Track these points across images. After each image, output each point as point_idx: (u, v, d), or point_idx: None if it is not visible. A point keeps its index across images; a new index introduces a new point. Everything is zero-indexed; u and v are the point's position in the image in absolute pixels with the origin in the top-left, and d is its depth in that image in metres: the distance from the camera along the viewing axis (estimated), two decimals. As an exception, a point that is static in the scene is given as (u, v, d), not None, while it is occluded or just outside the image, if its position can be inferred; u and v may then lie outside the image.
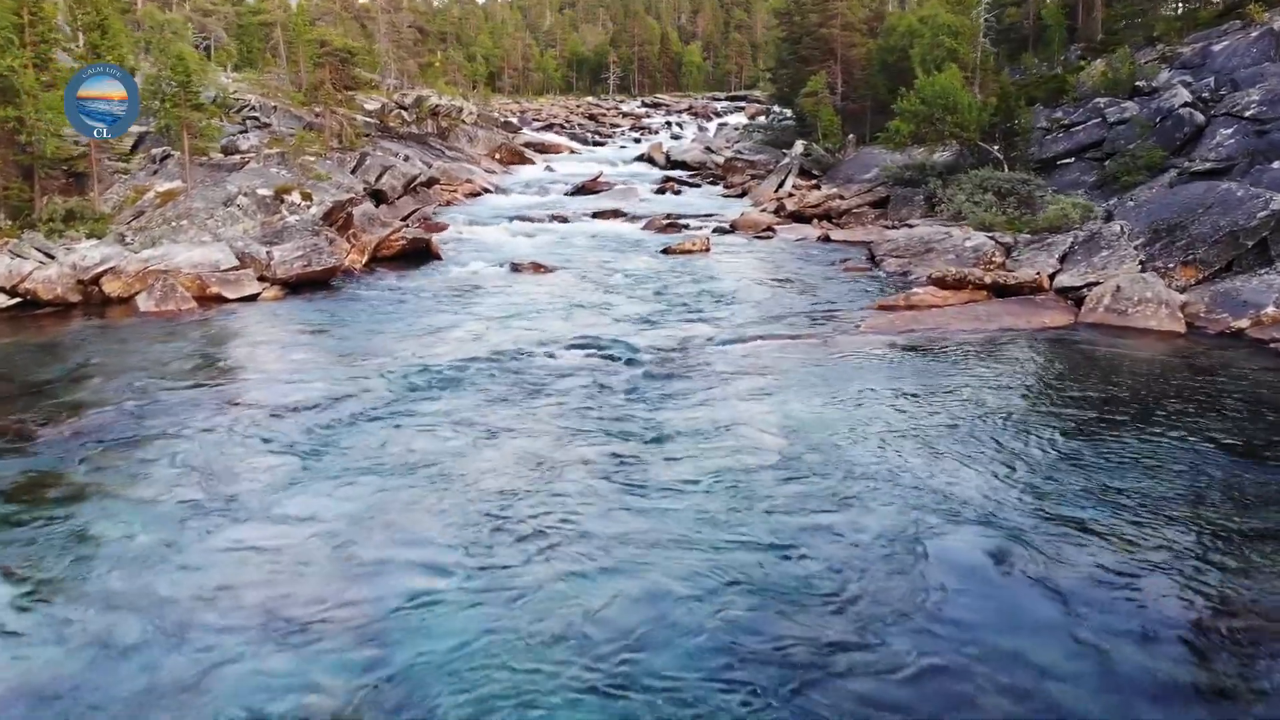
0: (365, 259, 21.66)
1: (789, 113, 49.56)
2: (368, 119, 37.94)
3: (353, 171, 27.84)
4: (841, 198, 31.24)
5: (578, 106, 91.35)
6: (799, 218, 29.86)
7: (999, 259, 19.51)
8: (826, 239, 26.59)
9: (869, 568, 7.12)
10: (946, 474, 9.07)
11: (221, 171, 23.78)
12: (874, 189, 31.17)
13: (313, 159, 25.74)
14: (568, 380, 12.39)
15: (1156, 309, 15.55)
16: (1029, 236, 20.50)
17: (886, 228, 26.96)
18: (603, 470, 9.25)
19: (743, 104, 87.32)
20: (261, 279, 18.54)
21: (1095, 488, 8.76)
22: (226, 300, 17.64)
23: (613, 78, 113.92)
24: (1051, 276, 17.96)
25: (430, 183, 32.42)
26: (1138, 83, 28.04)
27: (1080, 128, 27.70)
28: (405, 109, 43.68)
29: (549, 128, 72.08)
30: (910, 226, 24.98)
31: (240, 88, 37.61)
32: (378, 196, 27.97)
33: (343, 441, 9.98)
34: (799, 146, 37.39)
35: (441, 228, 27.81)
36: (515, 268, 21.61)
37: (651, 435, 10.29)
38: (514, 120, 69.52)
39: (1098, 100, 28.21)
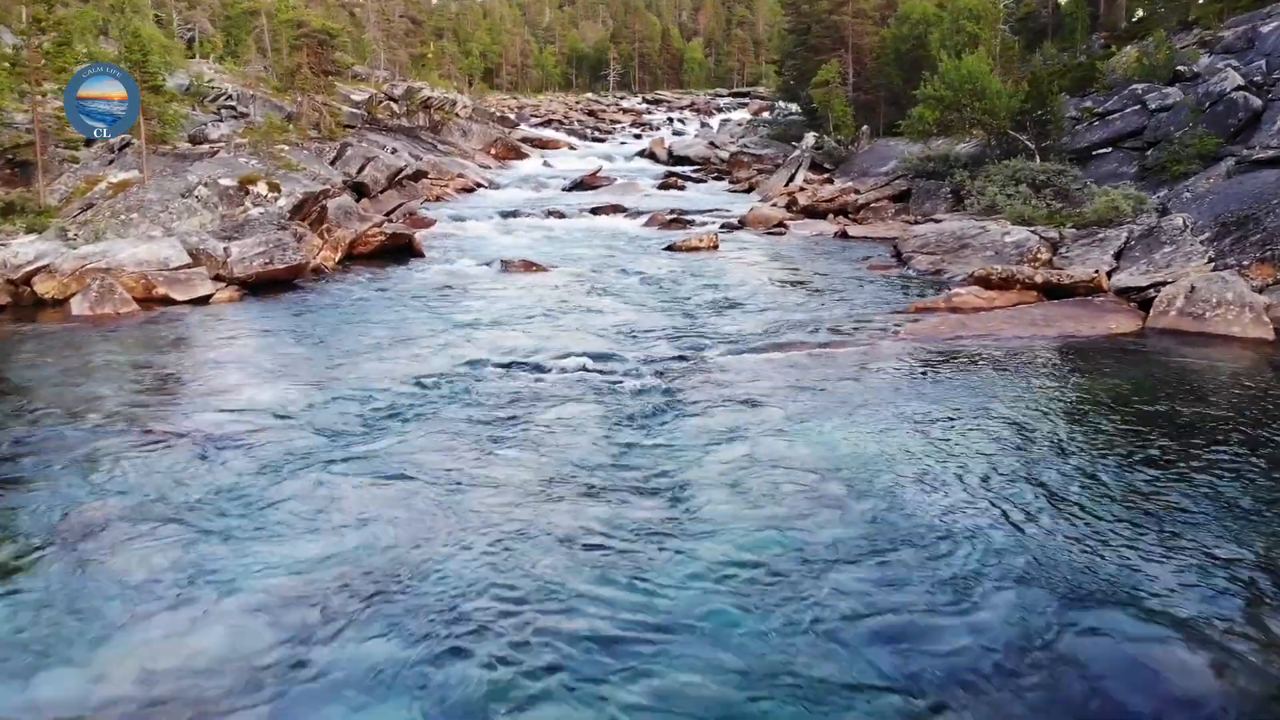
0: (339, 256, 19.59)
1: (795, 108, 47.58)
2: (353, 110, 35.92)
3: (332, 163, 25.78)
4: (857, 192, 29.20)
5: (577, 103, 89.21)
6: (812, 213, 27.81)
7: (1045, 255, 17.44)
8: (844, 235, 24.53)
9: (1012, 709, 4.90)
10: (1055, 533, 6.97)
11: (185, 161, 21.72)
12: (892, 182, 29.12)
13: (286, 149, 23.68)
14: (557, 408, 10.19)
15: (1239, 313, 13.48)
16: (1075, 231, 18.43)
17: (910, 223, 24.90)
18: (606, 549, 6.84)
19: (746, 100, 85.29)
20: (217, 278, 16.48)
21: (1244, 547, 6.70)
22: (174, 302, 15.56)
23: (613, 74, 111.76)
24: (1108, 275, 15.91)
25: (418, 176, 30.35)
26: (1179, 67, 26.04)
27: (1117, 115, 25.65)
28: (395, 101, 41.60)
29: (547, 124, 70.00)
30: (936, 221, 22.92)
31: (220, 77, 35.60)
32: (359, 190, 25.91)
33: (266, 504, 7.62)
34: (810, 138, 35.33)
35: (428, 223, 25.80)
36: (505, 266, 19.55)
37: (666, 488, 7.95)
38: (511, 116, 67.48)
39: (1135, 86, 26.18)
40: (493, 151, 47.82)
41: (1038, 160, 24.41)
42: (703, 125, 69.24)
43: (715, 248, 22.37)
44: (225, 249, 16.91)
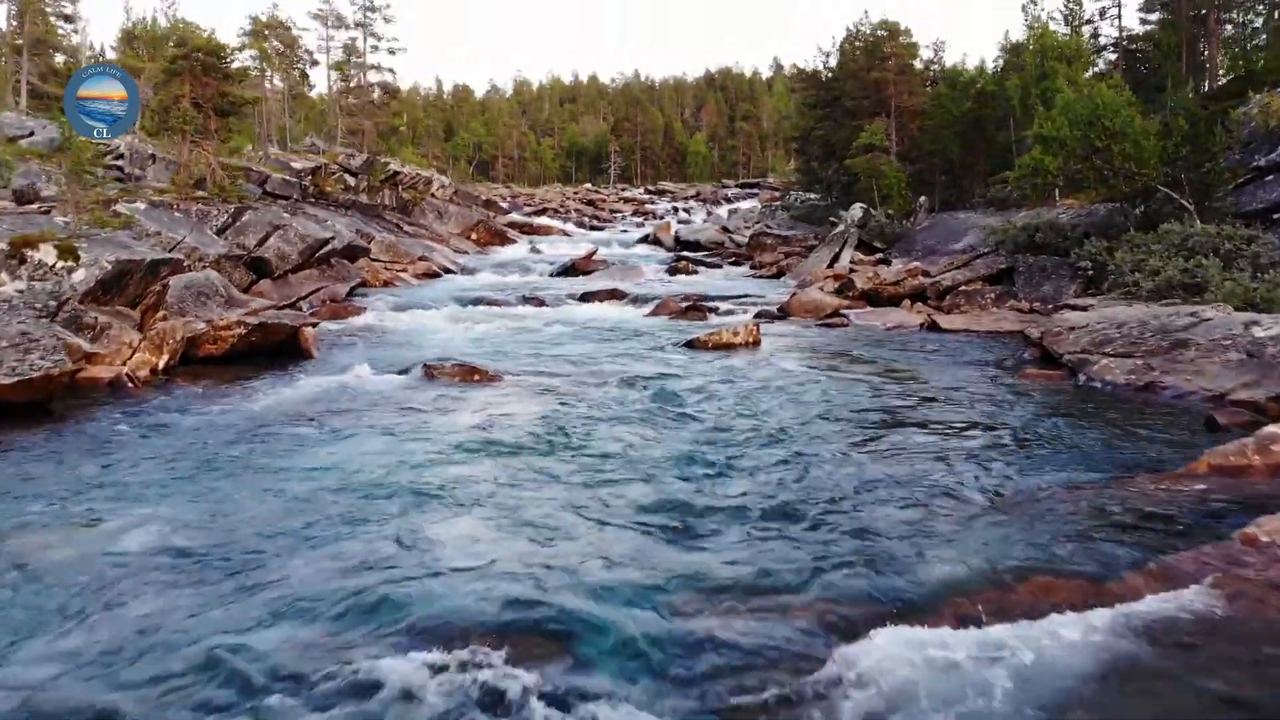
0: (165, 360, 12.22)
1: (814, 196, 41.23)
2: (290, 179, 29.14)
3: (220, 231, 18.68)
4: (927, 274, 22.12)
5: (575, 192, 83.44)
6: (876, 299, 20.64)
7: (1350, 361, 10.08)
8: (934, 327, 17.29)
9: None
10: None
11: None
12: (976, 260, 22.04)
13: (142, 206, 16.62)
14: None
15: None
16: (1373, 319, 11.12)
17: (1026, 311, 17.68)
18: None
19: (755, 190, 79.39)
20: (-113, 403, 9.11)
21: None
22: None
23: (613, 167, 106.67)
24: None
25: (354, 254, 23.28)
26: (1365, 106, 19.36)
27: (1293, 168, 18.78)
28: (352, 174, 34.93)
29: (541, 212, 63.79)
30: (1079, 309, 15.69)
31: (134, 140, 29.02)
32: (258, 268, 18.80)
33: None
34: (856, 211, 28.46)
35: (353, 313, 18.62)
36: (430, 374, 12.20)
37: None
38: (503, 204, 61.28)
39: (1309, 132, 19.40)
40: (473, 236, 41.09)
41: (1198, 224, 17.39)
42: (710, 214, 63.02)
43: (757, 344, 15.11)
44: (-84, 350, 9.57)
